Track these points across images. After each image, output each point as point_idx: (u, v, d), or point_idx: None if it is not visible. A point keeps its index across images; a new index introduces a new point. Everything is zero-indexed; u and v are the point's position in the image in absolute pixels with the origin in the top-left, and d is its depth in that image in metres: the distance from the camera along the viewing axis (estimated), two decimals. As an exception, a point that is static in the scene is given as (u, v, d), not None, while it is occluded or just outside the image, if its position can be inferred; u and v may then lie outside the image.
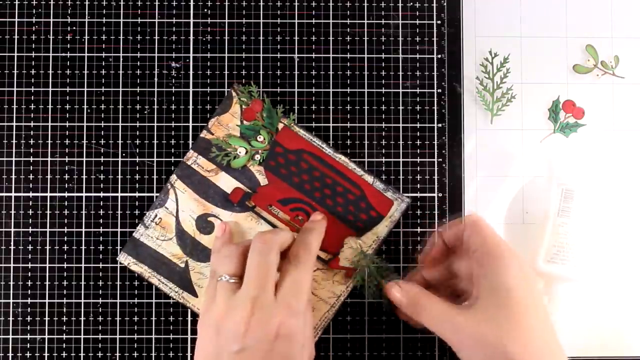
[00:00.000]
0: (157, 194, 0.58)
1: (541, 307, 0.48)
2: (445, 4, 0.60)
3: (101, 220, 0.58)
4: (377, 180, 0.58)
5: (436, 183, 0.59)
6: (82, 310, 0.58)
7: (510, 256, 0.49)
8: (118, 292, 0.58)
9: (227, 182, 0.58)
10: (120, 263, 0.58)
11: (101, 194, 0.58)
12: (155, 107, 0.59)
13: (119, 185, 0.58)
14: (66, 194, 0.58)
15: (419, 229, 0.59)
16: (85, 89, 0.59)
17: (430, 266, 0.56)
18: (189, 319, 0.58)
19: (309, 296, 0.52)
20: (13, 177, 0.58)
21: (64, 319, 0.58)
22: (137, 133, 0.59)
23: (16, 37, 0.59)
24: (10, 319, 0.58)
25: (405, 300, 0.52)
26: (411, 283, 0.53)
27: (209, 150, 0.58)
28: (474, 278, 0.50)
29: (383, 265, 0.57)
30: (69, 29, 0.59)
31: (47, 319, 0.58)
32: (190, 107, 0.59)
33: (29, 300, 0.58)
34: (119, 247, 0.58)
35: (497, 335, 0.47)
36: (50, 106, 0.59)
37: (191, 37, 0.60)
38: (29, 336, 0.58)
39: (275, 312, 0.48)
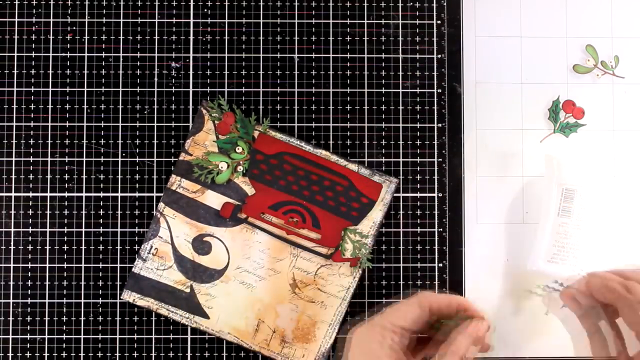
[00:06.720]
0: (158, 196, 0.58)
1: None
2: (445, 4, 0.60)
3: (101, 220, 0.58)
4: (362, 167, 0.58)
5: (436, 183, 0.59)
6: (82, 310, 0.58)
7: None
8: (118, 292, 0.58)
9: (215, 199, 0.58)
10: (126, 300, 0.57)
11: (101, 194, 0.58)
12: (155, 107, 0.59)
13: (119, 185, 0.58)
14: (66, 194, 0.58)
15: (419, 229, 0.59)
16: (85, 89, 0.59)
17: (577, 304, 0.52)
18: (189, 319, 0.58)
19: None
20: (13, 177, 0.58)
21: (64, 319, 0.58)
22: (137, 133, 0.59)
23: (16, 37, 0.59)
24: (10, 319, 0.58)
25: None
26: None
27: (191, 171, 0.58)
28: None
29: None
30: (69, 29, 0.59)
31: (47, 319, 0.58)
32: (190, 107, 0.59)
33: (29, 300, 0.58)
34: (118, 247, 0.58)
35: None
36: (50, 106, 0.59)
37: (191, 37, 0.60)
38: (29, 336, 0.58)
39: None
